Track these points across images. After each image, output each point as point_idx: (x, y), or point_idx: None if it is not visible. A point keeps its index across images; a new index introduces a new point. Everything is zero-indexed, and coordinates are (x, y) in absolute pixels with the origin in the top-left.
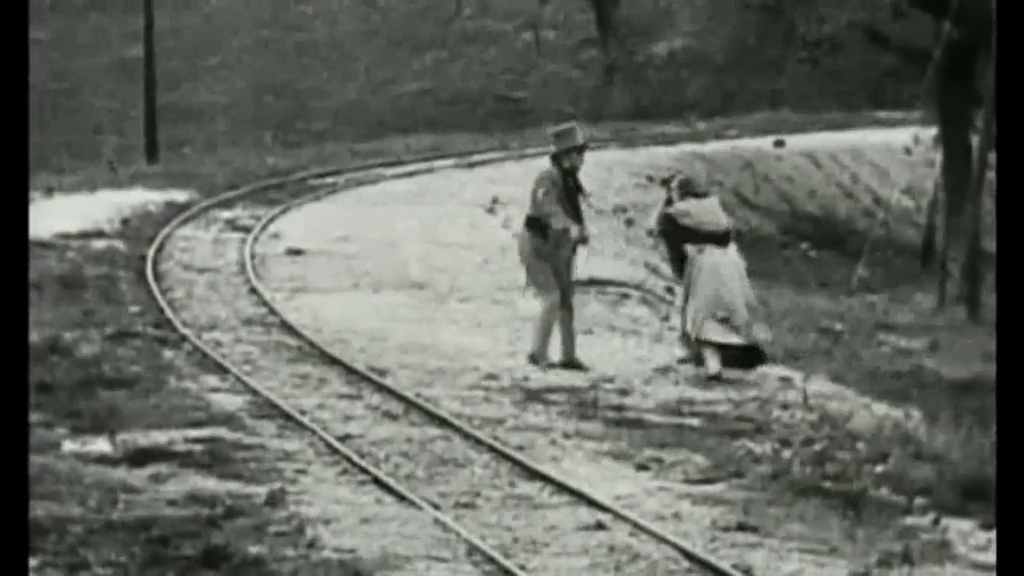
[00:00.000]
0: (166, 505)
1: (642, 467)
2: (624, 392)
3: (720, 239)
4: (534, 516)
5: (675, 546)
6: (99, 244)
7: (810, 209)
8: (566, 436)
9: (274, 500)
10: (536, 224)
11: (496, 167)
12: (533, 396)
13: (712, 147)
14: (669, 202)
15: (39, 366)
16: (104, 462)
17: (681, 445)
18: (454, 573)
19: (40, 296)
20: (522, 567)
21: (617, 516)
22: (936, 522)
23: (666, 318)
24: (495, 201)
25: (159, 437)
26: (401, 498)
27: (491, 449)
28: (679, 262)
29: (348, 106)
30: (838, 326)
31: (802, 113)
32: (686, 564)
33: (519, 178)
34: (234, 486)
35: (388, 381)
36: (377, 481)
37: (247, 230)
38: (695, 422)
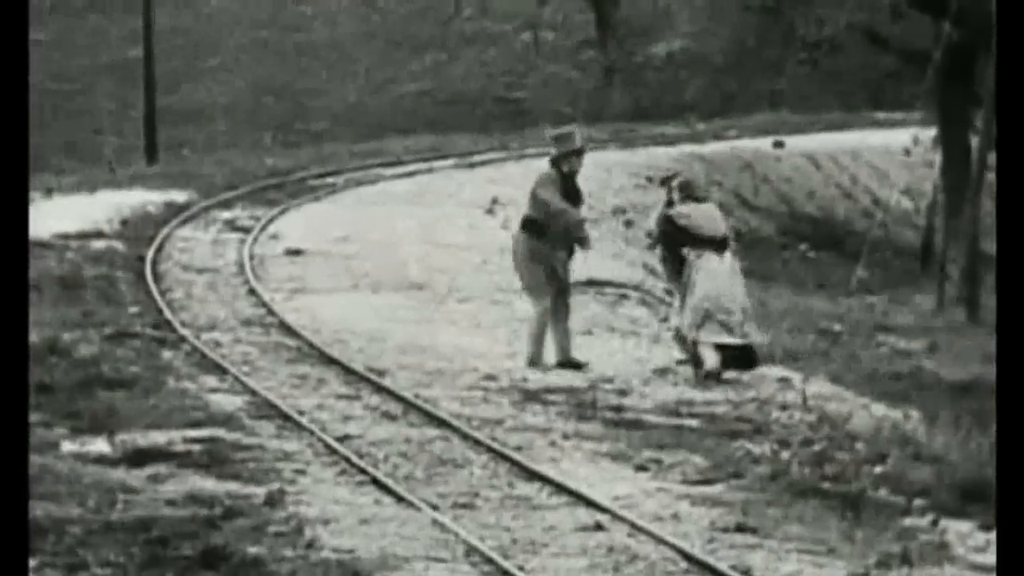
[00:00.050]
0: (165, 505)
1: (641, 468)
2: (623, 393)
3: (718, 245)
4: (533, 517)
5: (674, 547)
6: (98, 244)
7: (809, 210)
8: (565, 437)
9: (273, 500)
10: (533, 225)
11: (495, 168)
12: (532, 397)
13: (711, 148)
14: (669, 204)
15: (38, 366)
16: (103, 462)
17: (680, 446)
18: (453, 574)
19: (39, 296)
20: (521, 568)
21: (616, 517)
22: (935, 523)
23: (665, 319)
24: (494, 202)
25: (158, 437)
26: (400, 499)
27: (490, 450)
28: (677, 264)
29: (347, 107)
30: (837, 327)
31: (801, 114)
32: (685, 565)
33: (518, 179)
34: (233, 486)
35: (387, 382)
36: (376, 482)
37: (246, 230)
38: (694, 423)
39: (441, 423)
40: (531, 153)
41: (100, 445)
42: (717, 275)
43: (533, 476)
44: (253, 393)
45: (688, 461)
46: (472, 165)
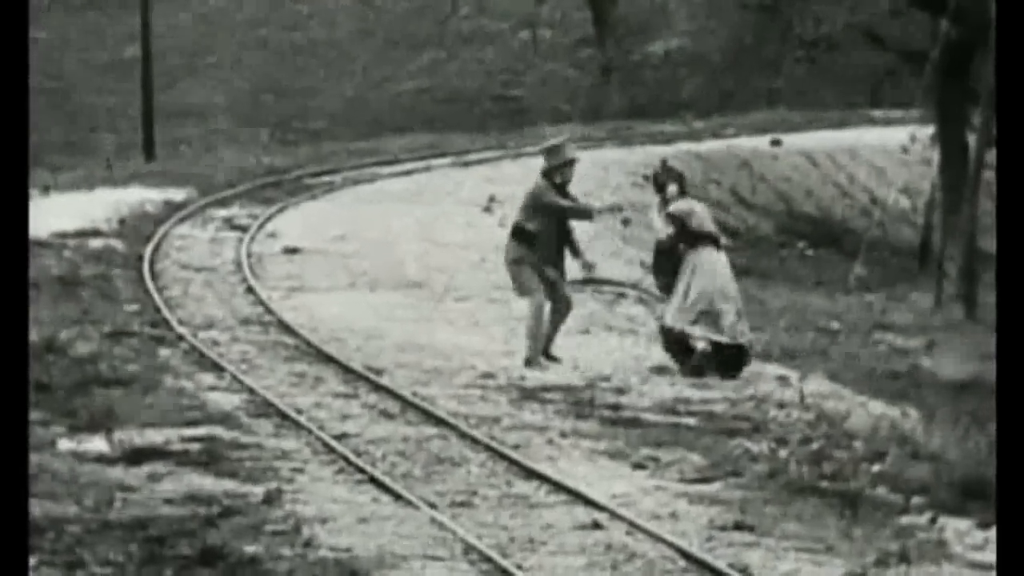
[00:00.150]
0: (163, 504)
1: (638, 466)
2: (620, 391)
3: (715, 240)
4: (530, 515)
5: (672, 545)
6: (96, 243)
7: (807, 208)
8: (563, 435)
9: (271, 499)
10: (522, 233)
11: (493, 166)
12: (529, 395)
13: (709, 146)
14: (664, 201)
15: (36, 365)
16: (101, 461)
17: (677, 444)
18: (451, 572)
19: (37, 295)
20: (519, 566)
21: (613, 515)
22: (933, 521)
23: (661, 317)
24: (492, 200)
25: (156, 436)
26: (398, 497)
27: (487, 448)
28: (675, 264)
29: (345, 105)
30: (835, 325)
31: (799, 112)
32: (682, 563)
33: (516, 177)
34: (231, 485)
35: (385, 380)
36: (374, 480)
37: (244, 229)
38: (691, 421)
39: (439, 421)
40: (529, 151)
41: (98, 443)
42: (714, 273)
43: (531, 474)
44: (251, 392)
45: (686, 459)
46: (470, 163)
